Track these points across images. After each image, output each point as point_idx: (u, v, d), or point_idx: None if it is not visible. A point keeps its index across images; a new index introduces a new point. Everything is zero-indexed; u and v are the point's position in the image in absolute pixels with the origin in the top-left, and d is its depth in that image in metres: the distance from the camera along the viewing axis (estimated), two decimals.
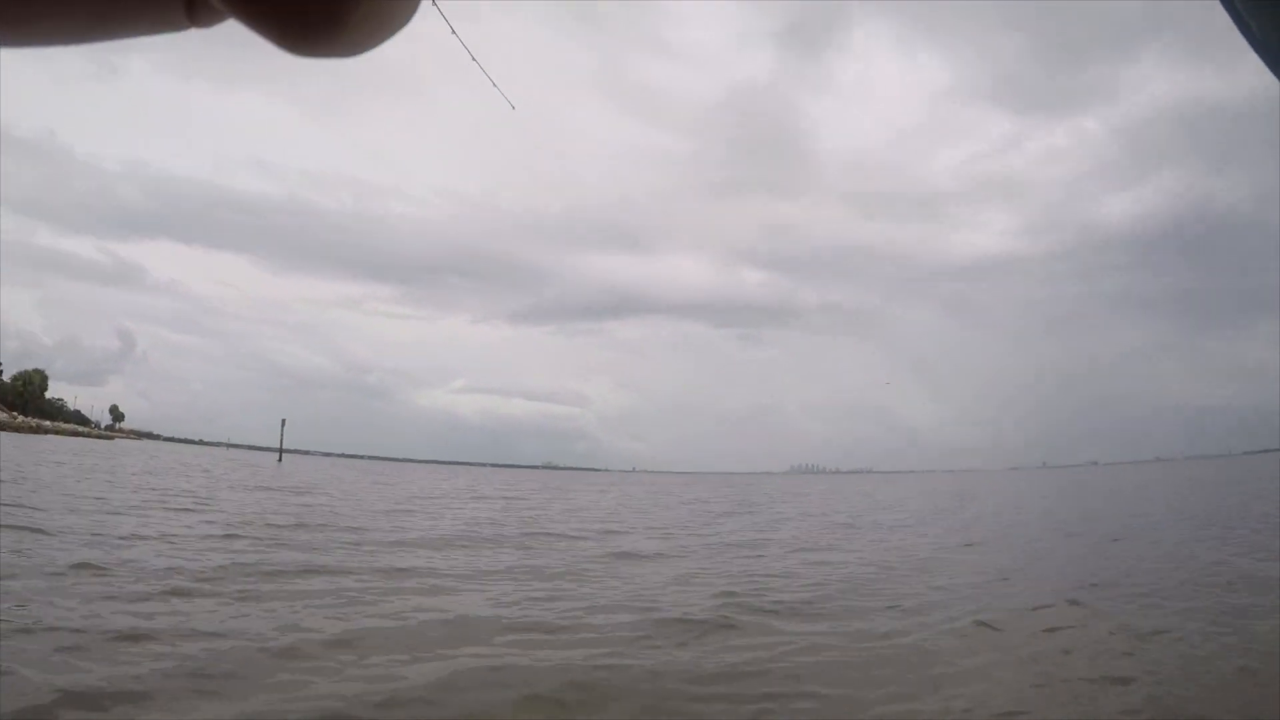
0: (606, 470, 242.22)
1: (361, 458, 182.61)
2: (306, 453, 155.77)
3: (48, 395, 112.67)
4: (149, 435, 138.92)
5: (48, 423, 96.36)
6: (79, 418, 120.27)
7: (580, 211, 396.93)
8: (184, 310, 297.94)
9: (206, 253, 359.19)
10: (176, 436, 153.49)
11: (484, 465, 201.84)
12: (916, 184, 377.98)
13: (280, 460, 76.57)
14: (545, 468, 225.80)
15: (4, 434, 68.61)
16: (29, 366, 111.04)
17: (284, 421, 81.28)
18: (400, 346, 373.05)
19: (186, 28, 0.30)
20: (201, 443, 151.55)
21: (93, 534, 9.28)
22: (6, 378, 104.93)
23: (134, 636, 4.80)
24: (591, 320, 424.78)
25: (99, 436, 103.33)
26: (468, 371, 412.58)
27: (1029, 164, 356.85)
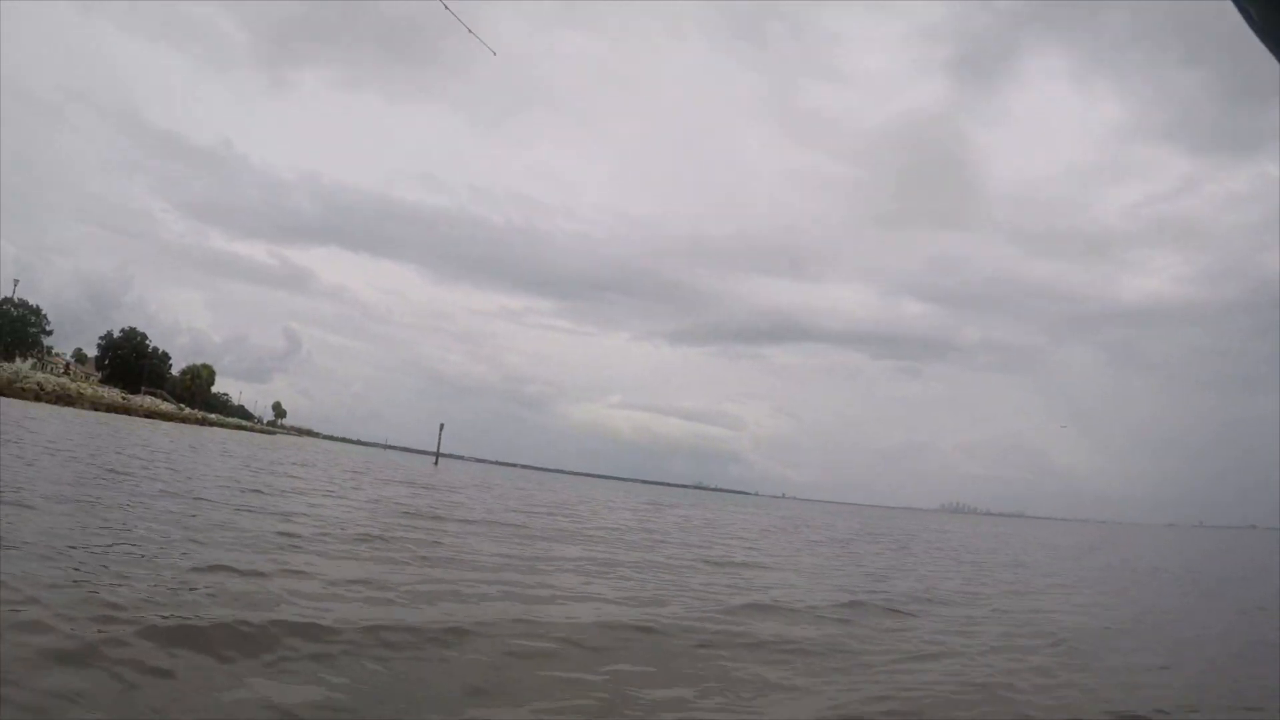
0: (757, 495, 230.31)
1: (514, 465, 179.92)
2: (461, 458, 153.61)
3: (214, 389, 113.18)
4: (309, 432, 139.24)
5: (213, 415, 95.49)
6: (243, 412, 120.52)
7: (745, 236, 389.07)
8: (348, 315, 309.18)
9: (373, 260, 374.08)
10: (334, 435, 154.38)
11: (634, 481, 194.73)
12: (1086, 222, 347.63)
13: (436, 463, 73.67)
14: (695, 487, 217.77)
15: (172, 424, 66.89)
16: (198, 361, 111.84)
17: (441, 426, 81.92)
18: (558, 360, 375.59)
19: None
20: (359, 442, 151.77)
21: None
22: (176, 371, 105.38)
23: None
24: (751, 344, 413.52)
25: (261, 431, 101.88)
26: (624, 388, 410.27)
27: (1207, 207, 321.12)
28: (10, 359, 74.36)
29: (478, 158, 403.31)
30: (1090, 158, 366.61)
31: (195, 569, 6.08)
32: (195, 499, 11.17)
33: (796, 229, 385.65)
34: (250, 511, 10.60)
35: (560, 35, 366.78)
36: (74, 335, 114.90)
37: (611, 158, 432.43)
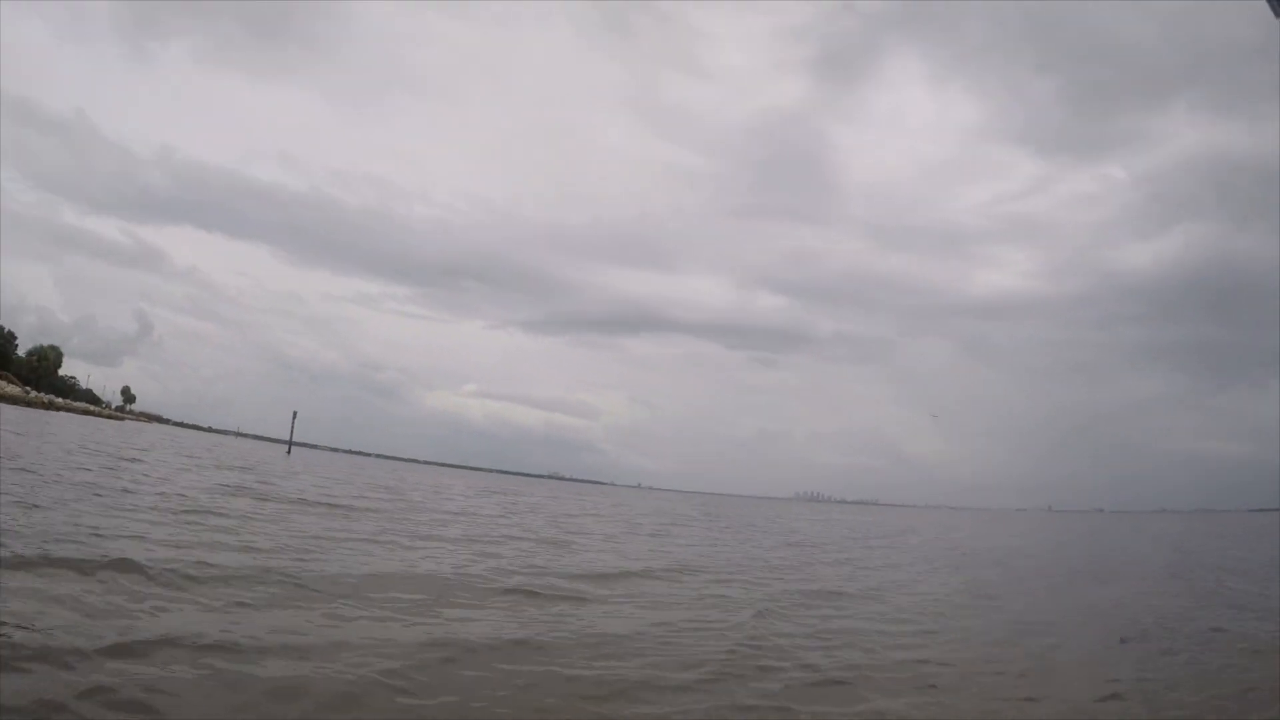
0: (613, 484, 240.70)
1: (368, 455, 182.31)
2: (314, 446, 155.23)
3: (61, 372, 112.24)
4: (158, 419, 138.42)
5: (59, 400, 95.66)
6: (90, 396, 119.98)
7: (603, 226, 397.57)
8: (201, 297, 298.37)
9: (227, 241, 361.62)
10: (185, 421, 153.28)
11: (490, 471, 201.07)
12: (940, 219, 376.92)
13: (289, 452, 76.41)
14: (551, 477, 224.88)
15: (16, 409, 68.12)
16: (45, 342, 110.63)
17: (295, 414, 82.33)
18: (413, 347, 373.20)
19: None
20: (210, 429, 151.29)
21: None
22: (22, 352, 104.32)
23: None
24: (607, 334, 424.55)
25: (109, 417, 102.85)
26: (479, 376, 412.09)
27: (1055, 207, 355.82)
28: None
29: (337, 139, 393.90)
30: (945, 157, 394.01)
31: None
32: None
33: (655, 220, 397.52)
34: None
35: (427, 18, 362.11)
36: None
37: (473, 144, 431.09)
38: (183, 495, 15.57)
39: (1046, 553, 25.09)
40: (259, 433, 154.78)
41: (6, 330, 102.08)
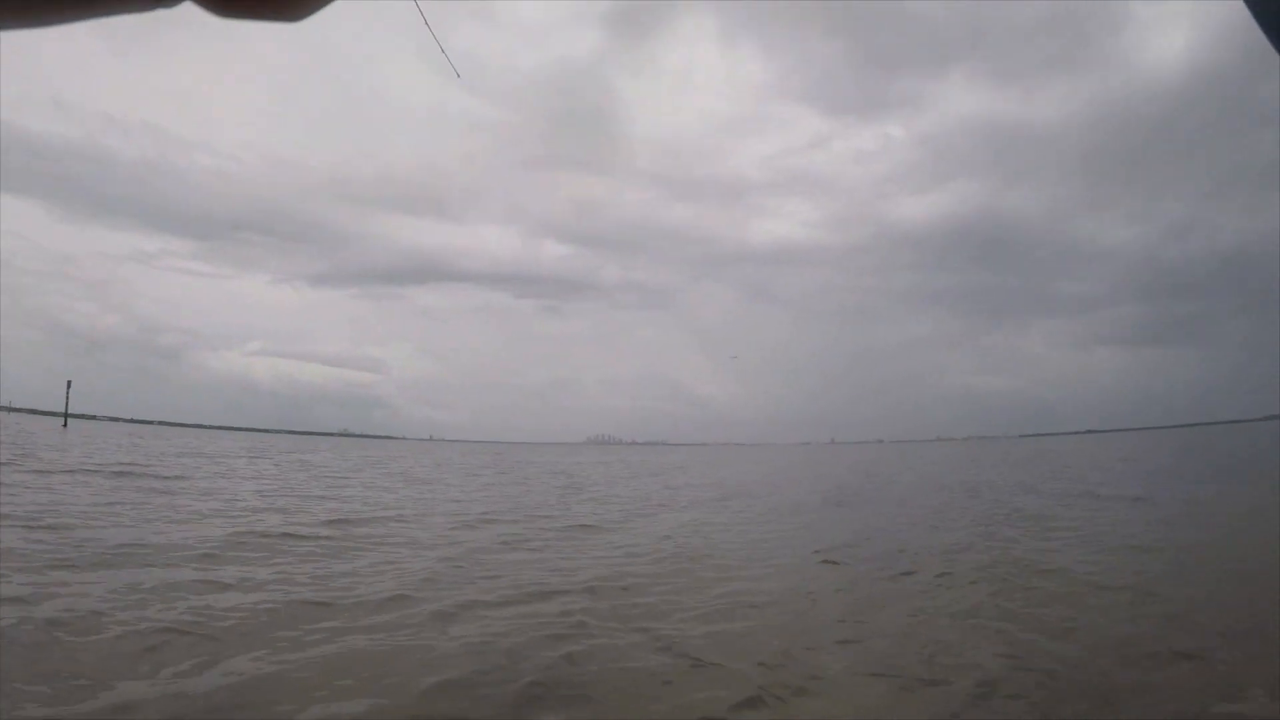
0: (404, 439, 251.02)
1: (151, 423, 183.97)
2: (93, 417, 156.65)
3: None
4: None
5: None
6: None
7: (390, 176, 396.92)
8: None
9: None
10: None
11: (278, 432, 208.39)
12: (726, 172, 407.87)
13: (65, 425, 74.17)
14: (341, 434, 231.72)
15: None
16: None
17: (69, 384, 78.18)
18: (195, 306, 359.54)
19: (153, 8, 0.30)
20: None
21: None
22: None
23: None
24: (394, 285, 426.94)
25: None
26: (264, 334, 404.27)
27: (836, 162, 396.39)
28: None
29: (112, 81, 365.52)
30: (733, 113, 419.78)
31: None
32: None
33: (442, 170, 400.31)
34: None
35: None
36: None
37: (257, 92, 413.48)
38: None
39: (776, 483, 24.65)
40: (34, 406, 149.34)
41: None
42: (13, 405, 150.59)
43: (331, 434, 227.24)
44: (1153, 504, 13.29)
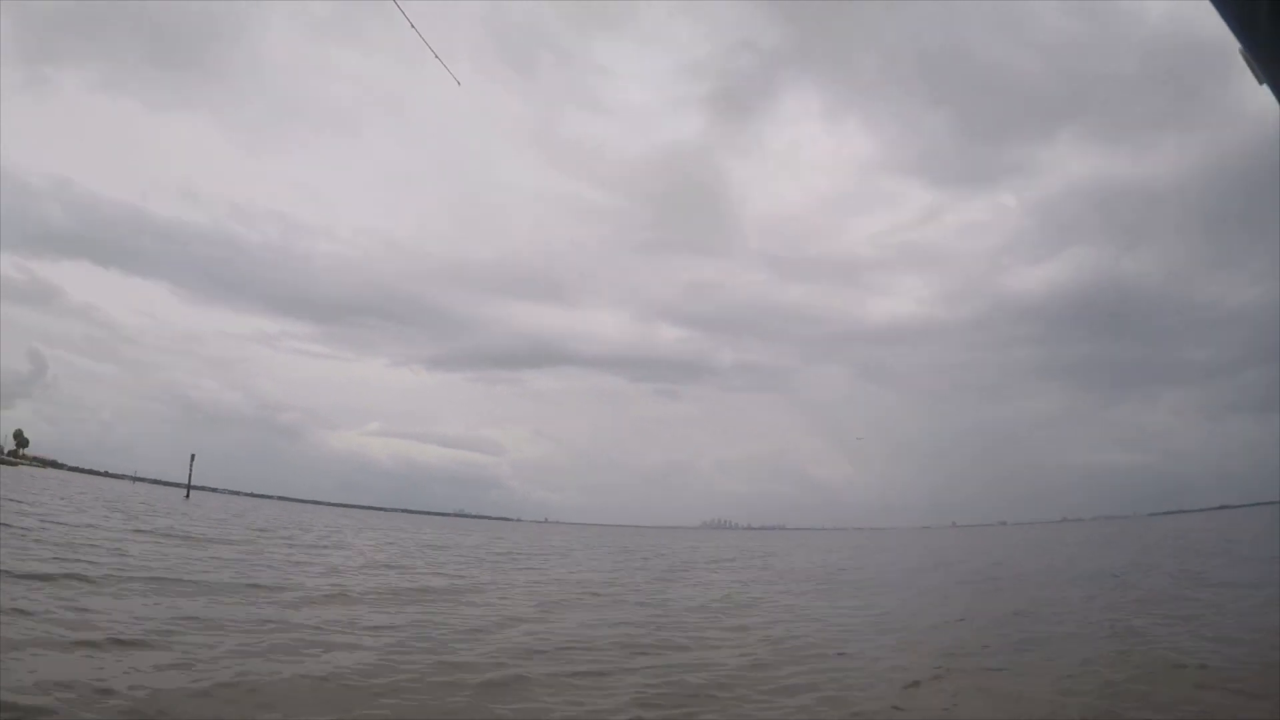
0: (519, 520, 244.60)
1: (269, 497, 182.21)
2: (214, 490, 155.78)
3: None
4: (53, 464, 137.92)
5: None
6: None
7: (504, 261, 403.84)
8: (98, 336, 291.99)
9: (124, 278, 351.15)
10: (81, 466, 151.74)
11: (394, 510, 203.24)
12: (837, 250, 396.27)
13: (188, 496, 78.81)
14: (457, 515, 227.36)
15: None
16: None
17: (193, 457, 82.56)
18: (315, 386, 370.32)
19: None
20: (106, 474, 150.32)
21: None
22: None
23: None
24: (510, 369, 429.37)
25: (1, 462, 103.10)
26: (382, 415, 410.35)
27: (947, 235, 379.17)
28: None
29: (238, 172, 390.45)
30: (841, 189, 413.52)
31: None
32: None
33: (556, 255, 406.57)
34: None
35: (328, 51, 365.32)
36: None
37: (374, 179, 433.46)
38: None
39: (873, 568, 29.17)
40: (158, 477, 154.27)
41: None
42: (139, 475, 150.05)
43: (447, 514, 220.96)
44: None
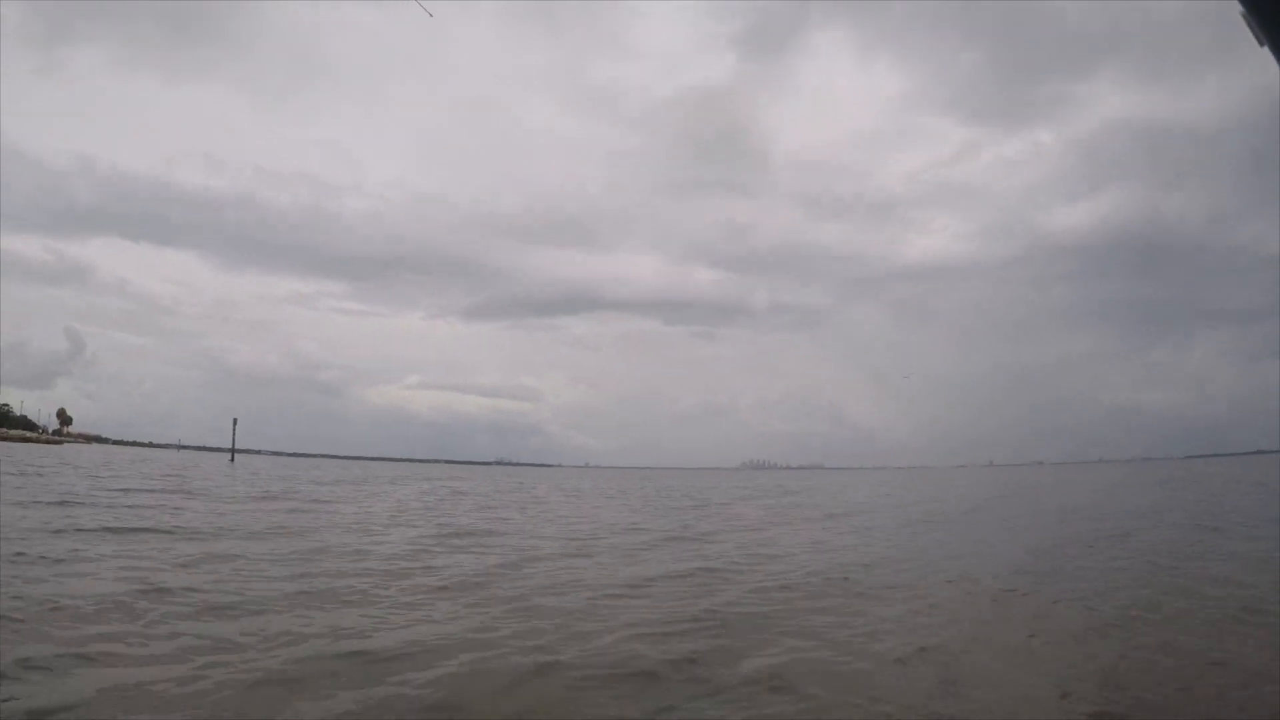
0: (560, 466, 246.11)
1: (312, 456, 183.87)
2: (258, 452, 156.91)
3: None
4: (97, 438, 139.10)
5: None
6: (25, 423, 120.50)
7: (536, 208, 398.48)
8: (133, 309, 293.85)
9: (156, 250, 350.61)
10: (125, 439, 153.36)
11: (437, 461, 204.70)
12: (872, 188, 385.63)
13: (233, 460, 78.52)
14: (498, 464, 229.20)
15: None
16: None
17: (235, 421, 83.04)
18: (353, 344, 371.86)
19: None
20: (151, 445, 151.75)
21: None
22: None
23: None
24: (546, 316, 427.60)
25: (47, 441, 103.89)
26: (421, 368, 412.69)
27: (983, 172, 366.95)
28: None
29: (262, 137, 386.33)
30: (874, 127, 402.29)
31: None
32: None
33: (588, 200, 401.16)
34: None
35: (344, 9, 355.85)
36: None
37: (400, 134, 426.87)
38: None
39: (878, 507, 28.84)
40: (202, 443, 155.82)
41: None
42: (183, 443, 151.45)
43: (489, 463, 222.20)
44: None
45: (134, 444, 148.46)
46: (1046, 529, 17.32)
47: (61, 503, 17.68)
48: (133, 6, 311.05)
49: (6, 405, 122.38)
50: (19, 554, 9.75)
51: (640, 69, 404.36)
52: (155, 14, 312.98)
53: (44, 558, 9.68)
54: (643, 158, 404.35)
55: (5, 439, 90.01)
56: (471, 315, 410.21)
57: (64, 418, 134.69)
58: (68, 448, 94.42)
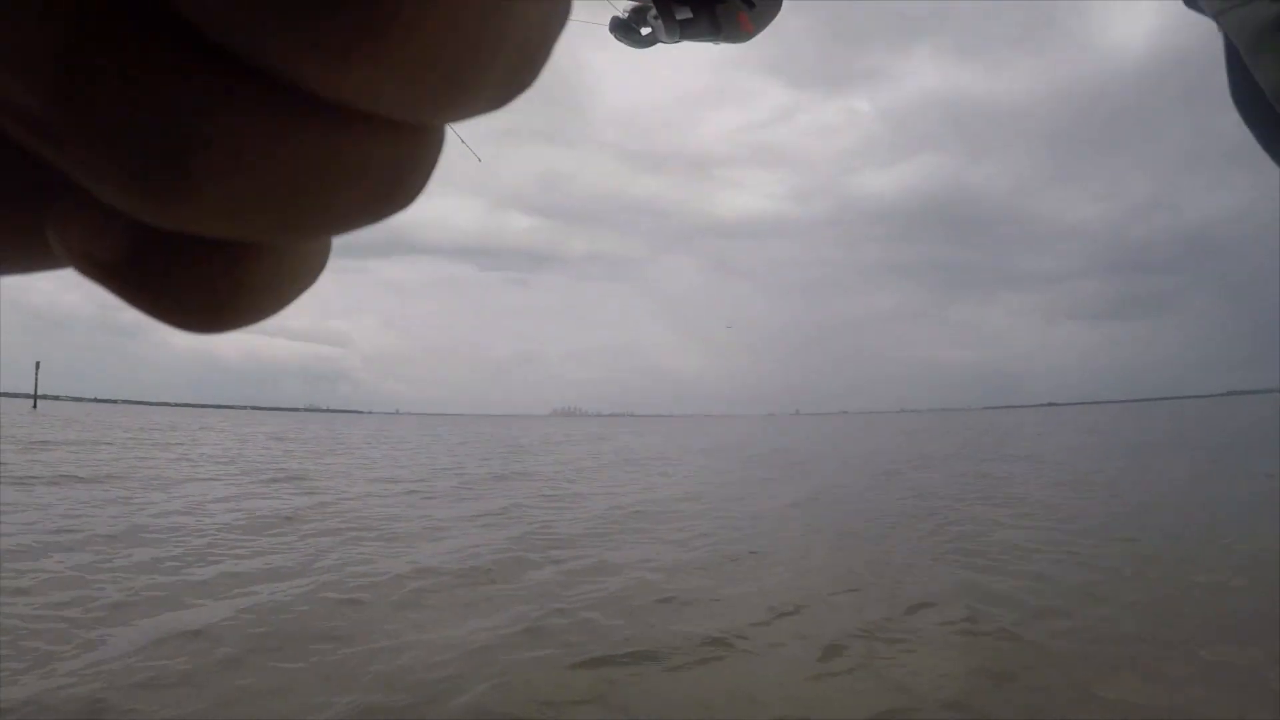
0: (370, 413, 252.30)
1: (117, 402, 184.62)
2: (57, 398, 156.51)
3: None
4: None
5: None
6: None
7: None
8: None
9: None
10: None
11: (245, 408, 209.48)
12: (692, 145, 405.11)
13: (35, 406, 73.04)
14: (308, 410, 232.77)
15: None
16: None
17: (38, 365, 78.94)
18: None
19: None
20: None
21: None
22: None
23: None
24: (356, 258, 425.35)
25: None
26: None
27: (800, 135, 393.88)
28: None
29: None
30: (696, 85, 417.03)
31: None
32: None
33: None
34: None
35: None
36: None
37: None
38: None
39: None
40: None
41: None
42: None
43: (298, 409, 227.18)
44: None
45: None
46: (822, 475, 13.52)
47: None
48: None
49: None
50: None
51: None
52: None
53: None
54: None
55: None
56: None
57: None
58: None
